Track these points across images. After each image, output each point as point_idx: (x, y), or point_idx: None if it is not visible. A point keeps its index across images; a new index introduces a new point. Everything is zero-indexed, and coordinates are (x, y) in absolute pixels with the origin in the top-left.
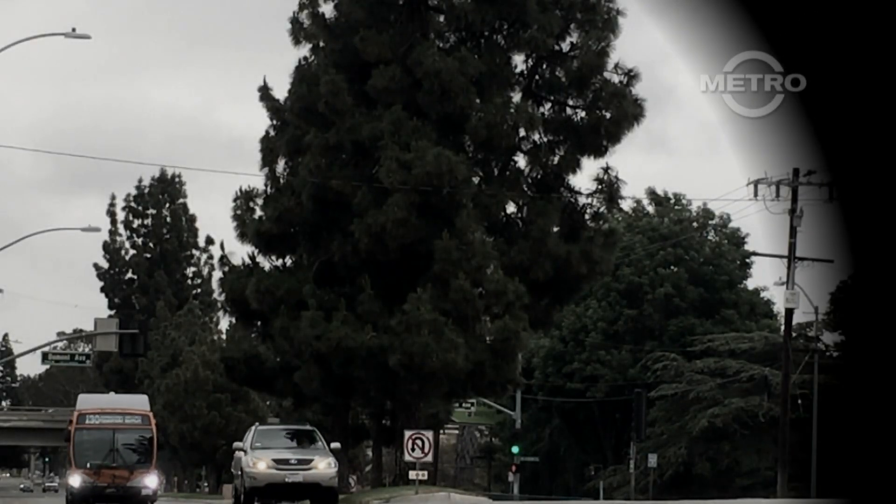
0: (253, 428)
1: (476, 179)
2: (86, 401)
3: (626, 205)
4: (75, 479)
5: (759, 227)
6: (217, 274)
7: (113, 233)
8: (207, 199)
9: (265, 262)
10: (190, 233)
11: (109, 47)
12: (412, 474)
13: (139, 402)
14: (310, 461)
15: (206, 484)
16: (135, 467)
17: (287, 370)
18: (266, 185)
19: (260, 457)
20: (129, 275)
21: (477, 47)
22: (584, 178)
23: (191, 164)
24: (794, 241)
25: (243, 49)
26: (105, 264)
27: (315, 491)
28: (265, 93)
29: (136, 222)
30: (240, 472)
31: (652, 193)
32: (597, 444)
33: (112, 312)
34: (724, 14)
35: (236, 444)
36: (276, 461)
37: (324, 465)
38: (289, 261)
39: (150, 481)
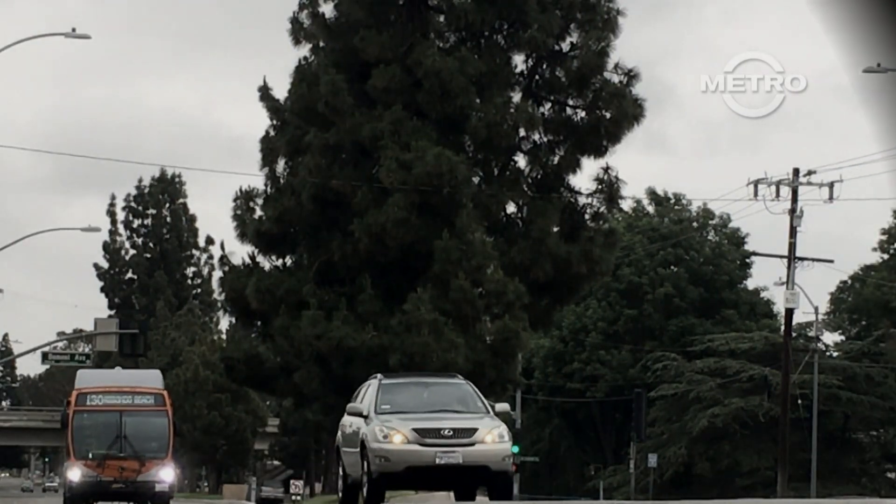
0: (375, 381)
1: (476, 179)
2: (87, 378)
3: (626, 205)
4: (75, 473)
5: (759, 227)
6: (217, 274)
7: (113, 233)
8: (207, 199)
9: (265, 262)
10: (190, 233)
11: (109, 47)
12: None
13: (151, 379)
14: (471, 432)
15: (206, 484)
16: (147, 457)
17: (287, 370)
18: (266, 185)
19: (394, 426)
20: (129, 275)
21: (477, 47)
22: (584, 178)
23: (191, 164)
24: (794, 241)
25: (243, 49)
26: (105, 264)
27: (481, 477)
28: (265, 93)
29: (136, 222)
30: (358, 450)
31: (652, 193)
32: (597, 444)
33: (112, 312)
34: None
35: (351, 407)
36: (420, 432)
37: (492, 438)
38: (289, 261)
39: (166, 474)
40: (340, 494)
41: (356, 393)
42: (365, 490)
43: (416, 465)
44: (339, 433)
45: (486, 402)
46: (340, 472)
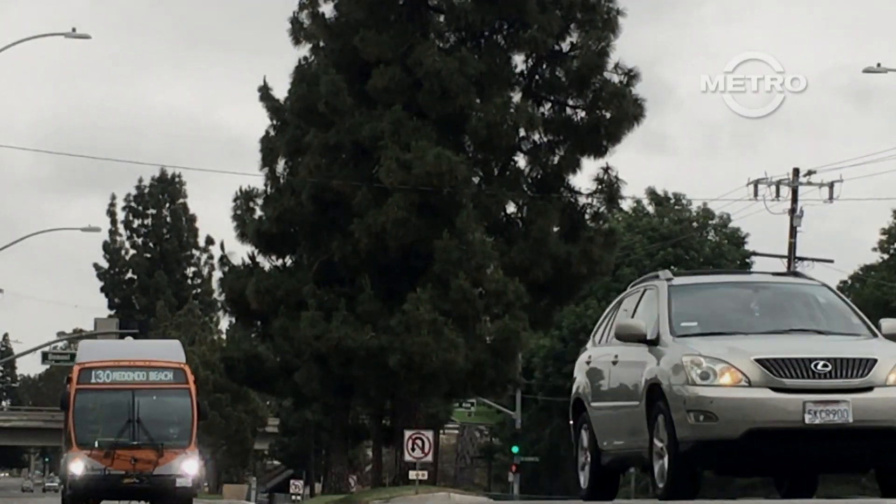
0: (659, 284)
1: (476, 179)
2: (92, 350)
3: (626, 205)
4: (77, 465)
5: (759, 227)
6: (217, 274)
7: (113, 233)
8: (207, 199)
9: (265, 262)
10: (190, 233)
11: (109, 47)
12: (412, 474)
13: (170, 351)
14: (866, 366)
15: (206, 484)
16: (165, 446)
17: (287, 370)
18: (266, 185)
19: (719, 354)
20: (129, 275)
21: (477, 47)
22: (584, 178)
23: (191, 164)
24: (794, 241)
25: (243, 49)
26: (105, 264)
27: (878, 451)
28: (265, 93)
29: (136, 222)
30: (639, 403)
31: (652, 193)
32: None
33: (112, 312)
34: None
35: (623, 326)
36: (771, 367)
37: None
38: (289, 261)
39: (189, 466)
40: (586, 482)
41: (616, 303)
42: (663, 471)
43: (768, 428)
44: (579, 376)
45: (863, 316)
46: (583, 444)
